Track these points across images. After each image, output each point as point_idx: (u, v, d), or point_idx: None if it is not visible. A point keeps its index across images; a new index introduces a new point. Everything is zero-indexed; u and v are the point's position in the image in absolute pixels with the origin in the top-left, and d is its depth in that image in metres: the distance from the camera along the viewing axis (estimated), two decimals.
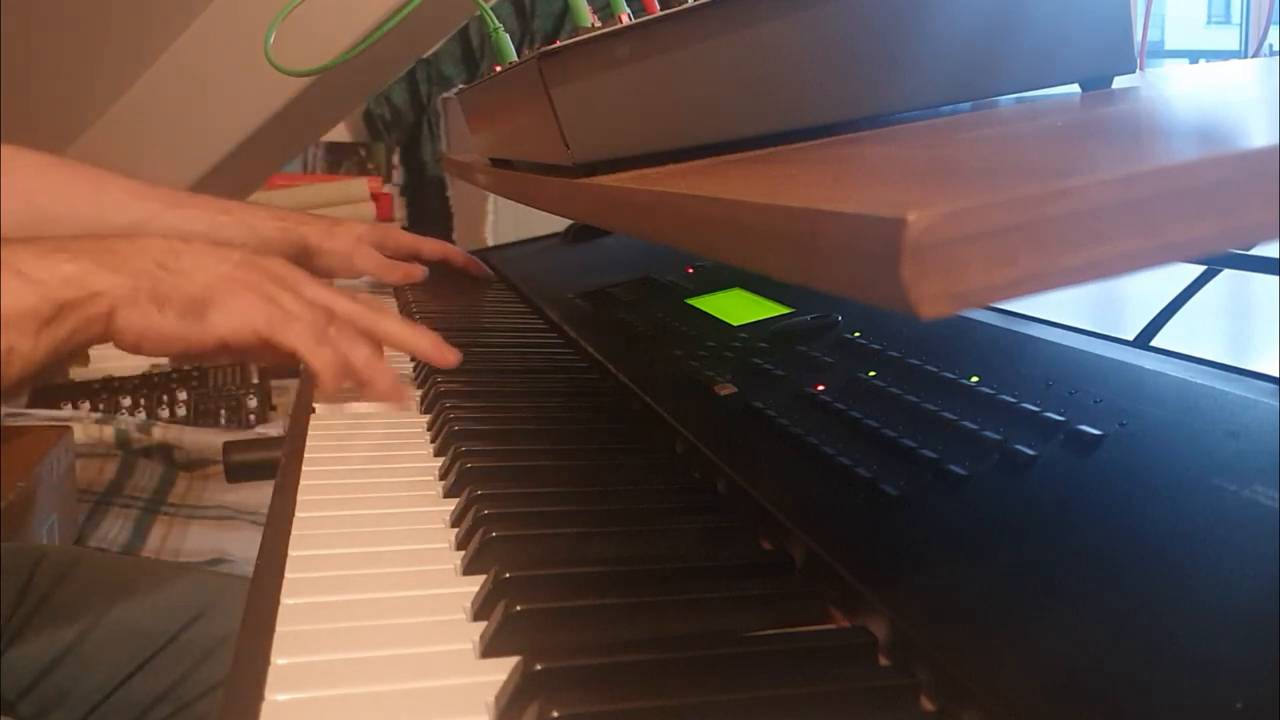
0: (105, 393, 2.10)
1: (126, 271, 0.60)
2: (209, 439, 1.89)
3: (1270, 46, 1.53)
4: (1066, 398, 0.43)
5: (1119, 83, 0.56)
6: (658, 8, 0.54)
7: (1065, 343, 0.49)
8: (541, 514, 0.48)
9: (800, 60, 0.53)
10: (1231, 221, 0.23)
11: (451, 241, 1.41)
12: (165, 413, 2.12)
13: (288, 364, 0.68)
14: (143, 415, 2.09)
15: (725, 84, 0.52)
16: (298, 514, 0.50)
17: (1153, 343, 0.47)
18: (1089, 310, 0.53)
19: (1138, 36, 0.59)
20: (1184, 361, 0.43)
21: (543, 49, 0.52)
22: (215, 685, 0.80)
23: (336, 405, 0.68)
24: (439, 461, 0.57)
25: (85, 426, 1.84)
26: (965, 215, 0.22)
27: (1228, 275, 0.51)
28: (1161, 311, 0.49)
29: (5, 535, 1.29)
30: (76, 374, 2.17)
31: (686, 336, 0.71)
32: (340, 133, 2.99)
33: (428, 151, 3.02)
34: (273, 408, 2.22)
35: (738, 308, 0.73)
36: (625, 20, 0.54)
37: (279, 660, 0.36)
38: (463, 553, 0.45)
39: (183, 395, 2.13)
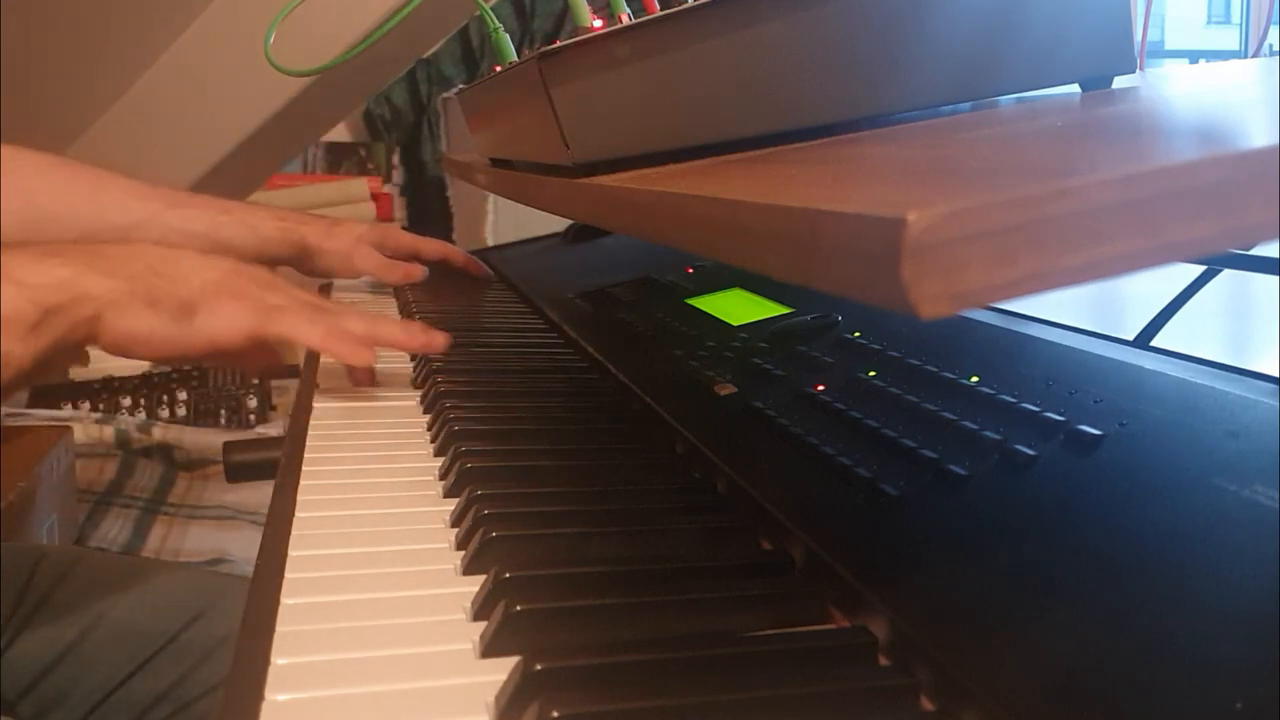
0: (105, 393, 2.11)
1: (118, 276, 0.61)
2: (209, 439, 1.89)
3: (1270, 46, 1.53)
4: (1066, 398, 0.43)
5: (1119, 83, 0.56)
6: (658, 8, 0.54)
7: (1065, 343, 0.49)
8: (541, 514, 0.48)
9: (800, 60, 0.53)
10: (1231, 221, 0.23)
11: (451, 241, 1.41)
12: (165, 413, 2.12)
13: (274, 368, 0.69)
14: (143, 415, 2.09)
15: (725, 84, 0.53)
16: (298, 514, 0.50)
17: (1153, 343, 0.47)
18: (1089, 310, 0.53)
19: (1138, 36, 0.59)
20: (1184, 361, 0.43)
21: (543, 49, 0.52)
22: (215, 685, 0.80)
23: (337, 403, 0.68)
24: (439, 461, 0.57)
25: (85, 426, 1.85)
26: (965, 215, 0.22)
27: (1228, 275, 0.51)
28: (1161, 311, 0.49)
29: (5, 535, 1.29)
30: (76, 374, 2.17)
31: (686, 336, 0.71)
32: (340, 133, 2.99)
33: (428, 151, 3.02)
34: (273, 408, 2.22)
35: (738, 308, 0.73)
36: (625, 20, 0.54)
37: (279, 660, 0.36)
38: (463, 553, 0.45)
39: (183, 395, 2.13)
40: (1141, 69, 0.70)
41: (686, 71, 0.52)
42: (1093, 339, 0.49)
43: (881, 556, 0.39)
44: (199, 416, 2.12)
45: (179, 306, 0.62)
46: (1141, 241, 0.23)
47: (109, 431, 1.87)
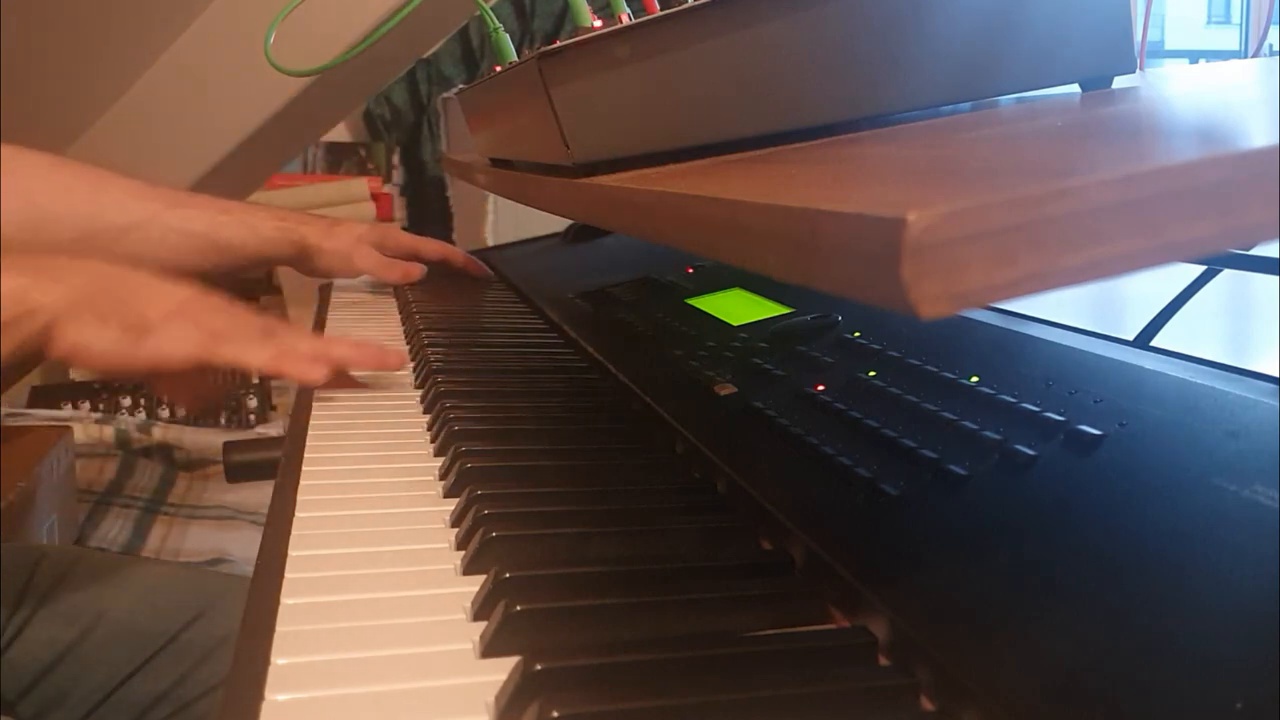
0: (105, 393, 2.11)
1: (70, 288, 0.61)
2: (209, 439, 1.89)
3: (1270, 46, 1.53)
4: (1066, 398, 0.43)
5: (1119, 83, 0.56)
6: (658, 8, 0.54)
7: (1065, 343, 0.49)
8: (541, 514, 0.48)
9: (800, 60, 0.53)
10: (1231, 221, 0.23)
11: (451, 242, 1.41)
12: (165, 413, 2.12)
13: (214, 397, 0.70)
14: (143, 415, 2.09)
15: (725, 84, 0.53)
16: (298, 514, 0.50)
17: (1153, 343, 0.47)
18: (1089, 310, 0.53)
19: (1138, 36, 0.59)
20: (1184, 361, 0.43)
21: (543, 49, 0.52)
22: (215, 685, 0.80)
23: (337, 403, 0.68)
24: (439, 461, 0.57)
25: (85, 426, 1.85)
26: (965, 215, 0.22)
27: (1228, 275, 0.51)
28: (1161, 311, 0.49)
29: (5, 535, 1.29)
30: (76, 374, 2.17)
31: (686, 336, 0.71)
32: (340, 133, 2.99)
33: (428, 151, 3.02)
34: (273, 408, 2.22)
35: (738, 308, 0.73)
36: (625, 20, 0.54)
37: (279, 660, 0.36)
38: (463, 553, 0.45)
39: None
40: (1141, 69, 0.70)
41: (686, 71, 0.52)
42: (1093, 339, 0.49)
43: (881, 556, 0.39)
44: (199, 416, 2.12)
45: (130, 323, 0.62)
46: (1141, 241, 0.23)
47: (109, 431, 1.87)
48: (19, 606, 0.81)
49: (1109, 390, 0.42)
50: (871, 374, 0.53)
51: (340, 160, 3.03)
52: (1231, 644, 0.28)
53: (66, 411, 2.00)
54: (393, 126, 3.03)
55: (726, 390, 0.59)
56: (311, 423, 0.65)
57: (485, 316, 0.99)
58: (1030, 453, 0.40)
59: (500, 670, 0.35)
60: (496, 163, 0.85)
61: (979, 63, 0.54)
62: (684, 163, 0.51)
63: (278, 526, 0.48)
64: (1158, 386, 0.41)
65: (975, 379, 0.47)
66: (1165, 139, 0.34)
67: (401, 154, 3.05)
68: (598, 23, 0.57)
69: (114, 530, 1.71)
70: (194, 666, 0.80)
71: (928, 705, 0.33)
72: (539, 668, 0.33)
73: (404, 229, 1.13)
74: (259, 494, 1.71)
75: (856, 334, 0.59)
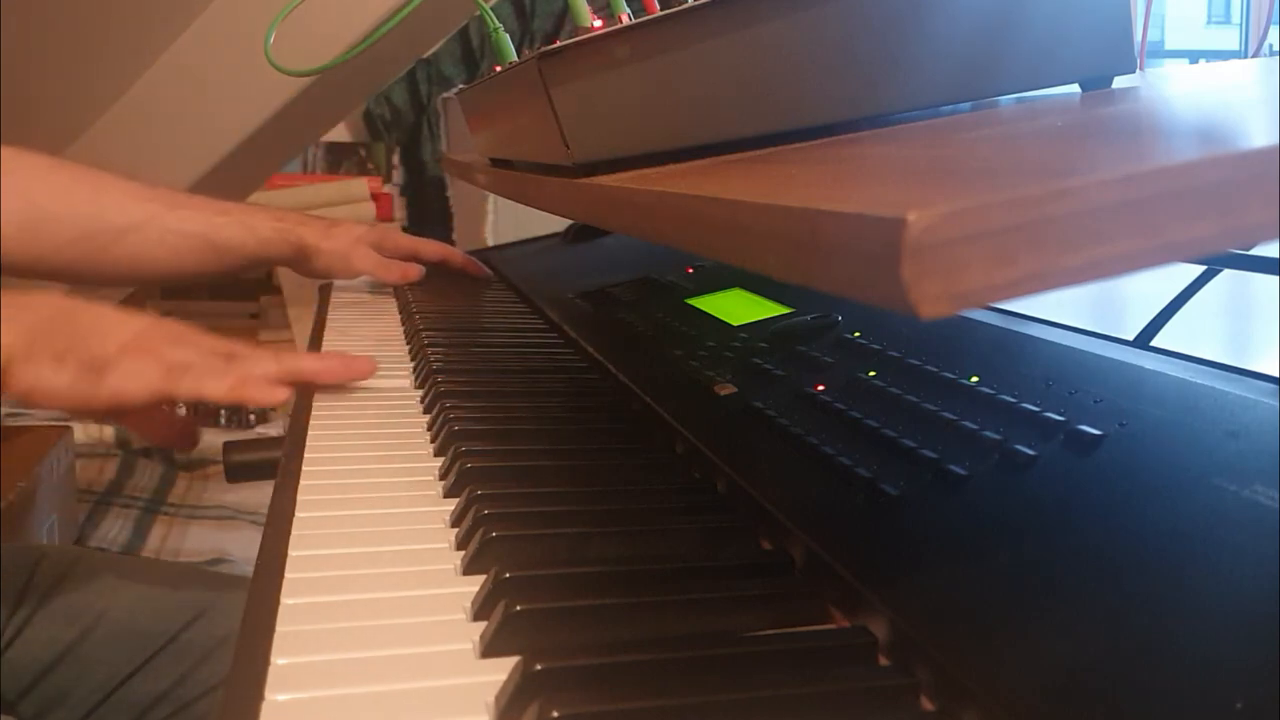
0: None
1: (20, 325, 0.60)
2: (209, 439, 1.88)
3: (1270, 46, 1.53)
4: (1066, 398, 0.43)
5: (1119, 83, 0.56)
6: (658, 8, 0.54)
7: (1065, 343, 0.49)
8: (541, 514, 0.48)
9: (800, 60, 0.53)
10: (1231, 221, 0.23)
11: (451, 242, 1.41)
12: None
13: (184, 438, 0.69)
14: None
15: (725, 84, 0.53)
16: (298, 514, 0.50)
17: (1153, 343, 0.47)
18: (1089, 310, 0.53)
19: (1138, 36, 0.59)
20: (1184, 361, 0.43)
21: (543, 49, 0.52)
22: (215, 685, 0.80)
23: (337, 403, 0.68)
24: (439, 461, 0.57)
25: (85, 426, 1.85)
26: (965, 215, 0.22)
27: (1228, 275, 0.51)
28: (1161, 311, 0.49)
29: (5, 535, 1.29)
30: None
31: (686, 336, 0.71)
32: (340, 133, 2.99)
33: (428, 151, 3.02)
34: (273, 408, 2.21)
35: (738, 308, 0.73)
36: (625, 20, 0.54)
37: (279, 660, 0.36)
38: (463, 553, 0.45)
39: None
40: (1141, 69, 0.70)
41: (686, 71, 0.52)
42: (1093, 339, 0.49)
43: (881, 556, 0.39)
44: (199, 416, 2.12)
45: (87, 362, 0.61)
46: (1141, 241, 0.23)
47: (109, 431, 1.87)
48: (19, 606, 0.81)
49: (1109, 390, 0.42)
50: (871, 374, 0.53)
51: (340, 160, 3.03)
52: (1231, 644, 0.28)
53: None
54: (393, 126, 3.03)
55: (726, 390, 0.59)
56: (311, 423, 0.65)
57: (485, 316, 0.99)
58: (1030, 453, 0.40)
59: (500, 670, 0.35)
60: (496, 163, 0.85)
61: (979, 63, 0.54)
62: (684, 163, 0.51)
63: (278, 526, 0.48)
64: (1158, 386, 0.41)
65: (975, 379, 0.47)
66: (1165, 139, 0.34)
67: (401, 154, 3.05)
68: (598, 23, 0.57)
69: (114, 530, 1.71)
70: (194, 666, 0.80)
71: (928, 705, 0.33)
72: (539, 668, 0.33)
73: (404, 229, 1.13)
74: (259, 494, 1.71)
75: (856, 334, 0.59)
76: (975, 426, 0.43)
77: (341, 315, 1.00)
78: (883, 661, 0.36)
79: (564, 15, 2.88)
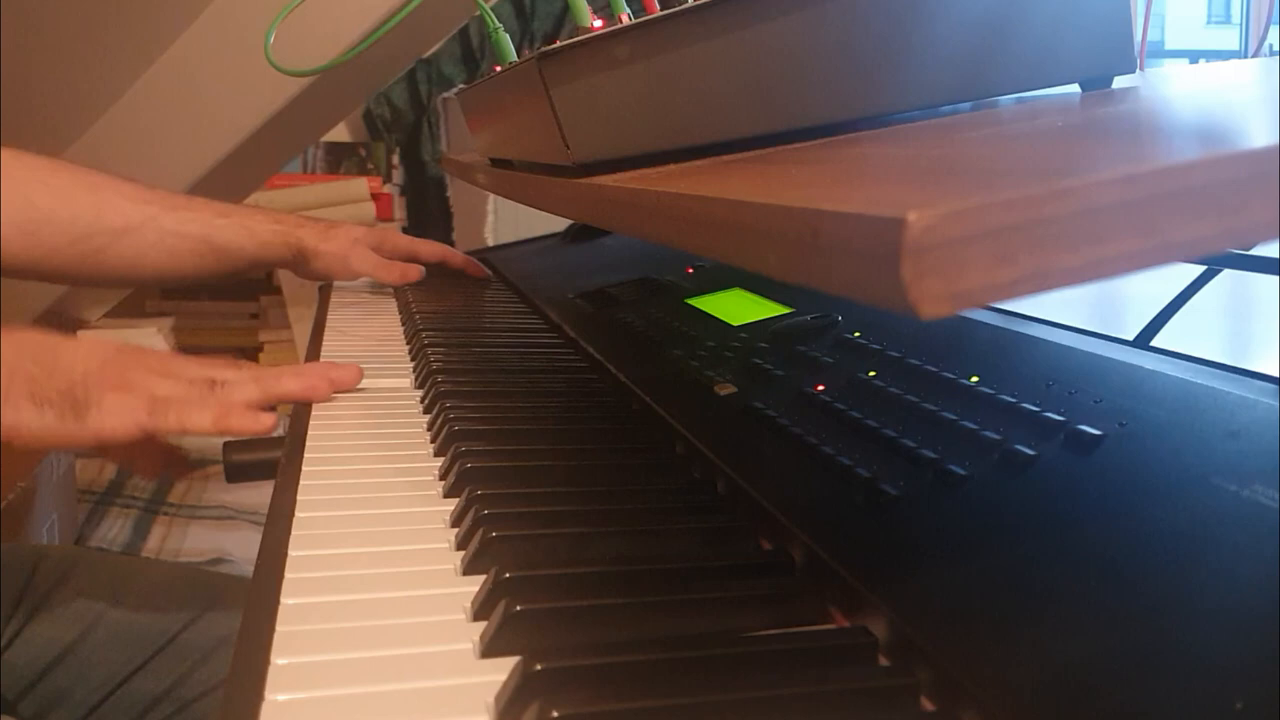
0: None
1: (2, 371, 0.59)
2: (209, 439, 1.88)
3: (1270, 46, 1.53)
4: (1066, 398, 0.43)
5: (1119, 83, 0.56)
6: (658, 8, 0.54)
7: (1065, 343, 0.49)
8: (541, 514, 0.48)
9: (800, 60, 0.53)
10: (1231, 221, 0.23)
11: (451, 242, 1.41)
12: None
13: (174, 466, 0.69)
14: None
15: (725, 84, 0.52)
16: (298, 514, 0.50)
17: (1153, 343, 0.47)
18: (1089, 310, 0.53)
19: (1138, 36, 0.59)
20: (1184, 361, 0.43)
21: (543, 49, 0.52)
22: (215, 685, 0.80)
23: (337, 404, 0.68)
24: (439, 461, 0.57)
25: None
26: (965, 215, 0.22)
27: (1228, 275, 0.51)
28: (1161, 311, 0.49)
29: (5, 535, 1.29)
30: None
31: (686, 336, 0.71)
32: (340, 133, 2.99)
33: (428, 151, 3.02)
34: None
35: (738, 308, 0.73)
36: (625, 20, 0.54)
37: (279, 660, 0.36)
38: (463, 553, 0.45)
39: None
40: (1141, 69, 0.70)
41: (686, 71, 0.52)
42: (1093, 339, 0.49)
43: (881, 556, 0.39)
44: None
45: (66, 401, 0.60)
46: (1141, 241, 0.23)
47: None
48: (19, 606, 0.81)
49: (1109, 390, 0.42)
50: (871, 374, 0.53)
51: (340, 160, 3.03)
52: (1231, 644, 0.28)
53: None
54: (393, 126, 3.03)
55: (726, 390, 0.59)
56: (311, 423, 0.65)
57: (485, 316, 0.99)
58: (1030, 453, 0.40)
59: (500, 670, 0.35)
60: (496, 163, 0.85)
61: (979, 63, 0.54)
62: (684, 163, 0.51)
63: (278, 526, 0.48)
64: (1158, 386, 0.41)
65: (975, 379, 0.47)
66: (1165, 139, 0.34)
67: (401, 154, 3.05)
68: (598, 23, 0.57)
69: (114, 530, 1.71)
70: (194, 666, 0.80)
71: (928, 705, 0.33)
72: (539, 668, 0.33)
73: (404, 229, 1.13)
74: (259, 494, 1.71)
75: (856, 334, 0.59)
76: (975, 426, 0.43)
77: (341, 315, 1.00)
78: (883, 661, 0.36)
79: (564, 15, 2.88)
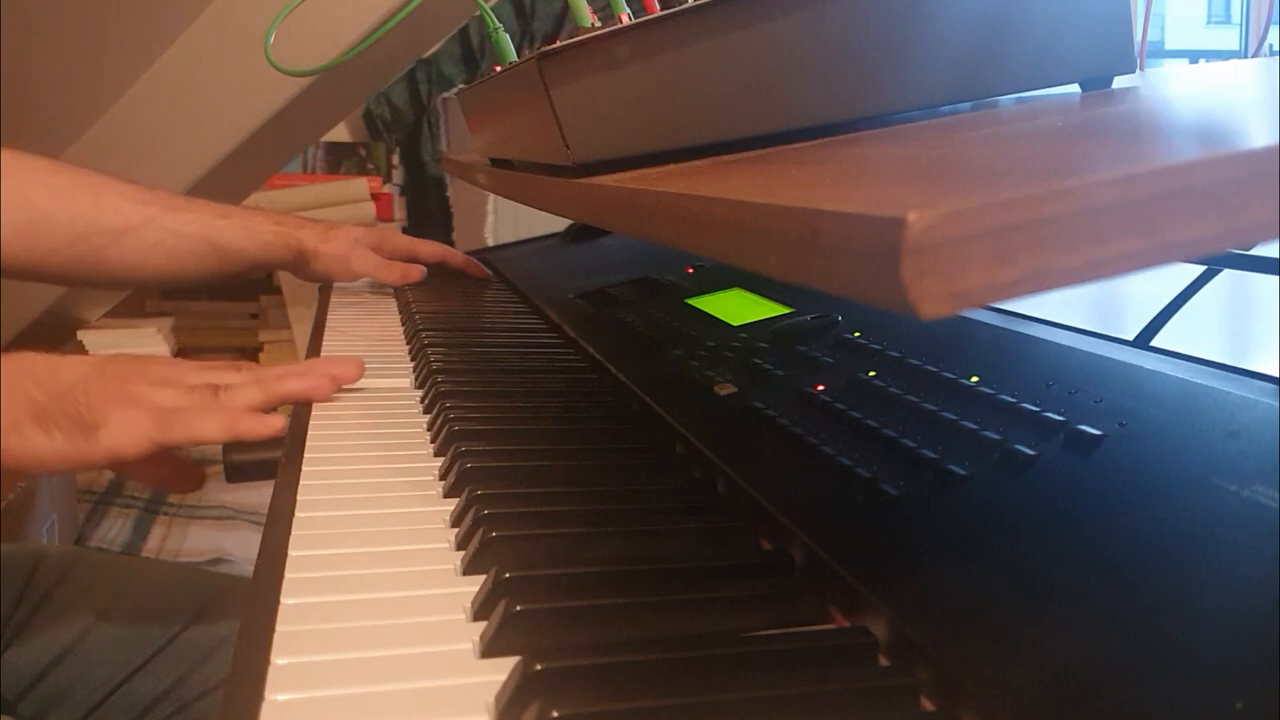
0: None
1: (6, 400, 0.58)
2: None
3: (1270, 46, 1.53)
4: (1066, 398, 0.43)
5: (1119, 83, 0.56)
6: (658, 8, 0.54)
7: (1065, 343, 0.49)
8: (541, 514, 0.48)
9: (800, 60, 0.53)
10: (1231, 221, 0.23)
11: (451, 243, 1.41)
12: None
13: (187, 482, 0.68)
14: None
15: (725, 84, 0.52)
16: (298, 514, 0.50)
17: (1153, 343, 0.47)
18: (1089, 310, 0.53)
19: (1138, 36, 0.59)
20: (1184, 361, 0.43)
21: (543, 49, 0.52)
22: (215, 685, 0.80)
23: (337, 403, 0.68)
24: (439, 461, 0.57)
25: None
26: (965, 215, 0.22)
27: (1228, 275, 0.51)
28: (1161, 311, 0.49)
29: (5, 535, 1.29)
30: None
31: (686, 336, 0.71)
32: (340, 133, 2.99)
33: (428, 151, 3.02)
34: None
35: (738, 308, 0.73)
36: (625, 20, 0.54)
37: (279, 660, 0.36)
38: (463, 553, 0.45)
39: None
40: (1141, 69, 0.70)
41: (686, 71, 0.52)
42: (1093, 339, 0.49)
43: (881, 556, 0.39)
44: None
45: (74, 423, 0.59)
46: (1141, 241, 0.23)
47: None
48: (19, 606, 0.81)
49: (1109, 390, 0.42)
50: (871, 374, 0.53)
51: (340, 160, 3.02)
52: (1231, 644, 0.28)
53: None
54: (393, 126, 3.03)
55: (726, 390, 0.59)
56: (311, 422, 0.65)
57: (485, 316, 0.99)
58: (1030, 453, 0.40)
59: (500, 670, 0.35)
60: (496, 163, 0.85)
61: (979, 63, 0.54)
62: (684, 163, 0.51)
63: (278, 526, 0.48)
64: (1158, 386, 0.41)
65: (975, 379, 0.47)
66: (1165, 139, 0.34)
67: (401, 154, 3.05)
68: (598, 23, 0.57)
69: (114, 530, 1.71)
70: (194, 666, 0.80)
71: (928, 705, 0.33)
72: (539, 668, 0.33)
73: (404, 229, 1.13)
74: (259, 494, 1.71)
75: (856, 334, 0.59)
76: (975, 426, 0.43)
77: (341, 315, 1.00)
78: (883, 661, 0.36)
79: (564, 15, 2.88)
